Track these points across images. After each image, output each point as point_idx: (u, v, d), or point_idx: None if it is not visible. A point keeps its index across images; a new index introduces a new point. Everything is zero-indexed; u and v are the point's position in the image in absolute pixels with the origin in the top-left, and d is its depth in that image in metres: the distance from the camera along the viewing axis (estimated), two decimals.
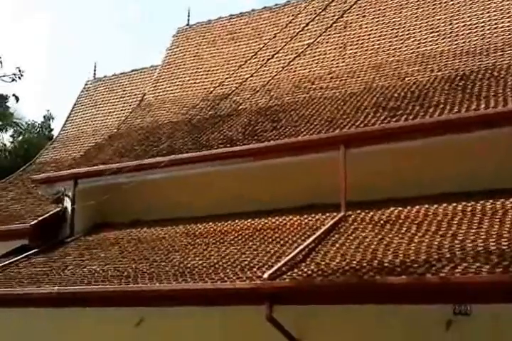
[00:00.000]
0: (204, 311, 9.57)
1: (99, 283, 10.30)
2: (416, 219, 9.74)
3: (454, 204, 9.86)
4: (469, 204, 9.76)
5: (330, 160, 10.92)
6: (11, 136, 30.43)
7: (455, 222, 9.26)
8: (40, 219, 13.77)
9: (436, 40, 13.88)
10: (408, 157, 10.75)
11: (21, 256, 12.86)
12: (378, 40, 14.75)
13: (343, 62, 14.73)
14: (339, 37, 15.29)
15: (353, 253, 8.88)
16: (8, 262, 12.68)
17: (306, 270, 8.71)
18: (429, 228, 9.23)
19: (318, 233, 9.89)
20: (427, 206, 10.06)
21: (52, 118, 32.71)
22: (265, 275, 8.68)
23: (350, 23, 15.41)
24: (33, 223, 13.60)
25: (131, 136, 15.61)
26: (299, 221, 10.90)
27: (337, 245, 9.34)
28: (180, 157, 12.40)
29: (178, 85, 17.22)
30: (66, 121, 20.25)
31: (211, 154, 12.29)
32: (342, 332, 8.87)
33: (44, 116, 32.85)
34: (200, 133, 13.71)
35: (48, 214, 13.91)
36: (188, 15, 19.32)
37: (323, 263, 8.81)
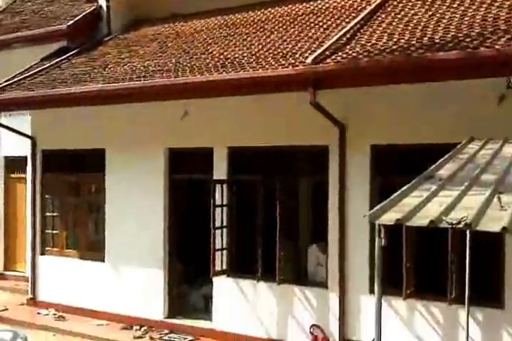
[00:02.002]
0: (247, 100, 9.44)
1: (141, 78, 10.14)
2: None
3: None
4: None
5: None
6: None
7: None
8: (76, 19, 13.40)
9: None
10: None
11: (62, 58, 12.76)
12: None
13: None
14: None
15: (402, 31, 8.34)
16: (49, 64, 12.63)
17: (350, 52, 8.28)
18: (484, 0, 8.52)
19: (363, 14, 9.28)
20: None
21: None
22: (308, 60, 8.32)
23: None
24: (70, 23, 13.28)
25: None
26: (342, 3, 10.23)
27: (384, 25, 8.78)
28: None
29: None
30: None
31: None
32: (387, 114, 8.68)
33: None
34: None
35: (83, 14, 13.50)
36: None
37: (369, 44, 8.34)
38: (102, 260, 11.63)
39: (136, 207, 11.09)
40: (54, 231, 12.51)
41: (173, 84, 9.63)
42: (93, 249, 11.96)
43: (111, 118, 11.32)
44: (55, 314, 11.83)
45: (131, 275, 11.17)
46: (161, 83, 9.73)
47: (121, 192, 11.30)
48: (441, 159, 6.27)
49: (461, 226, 4.50)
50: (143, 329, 10.67)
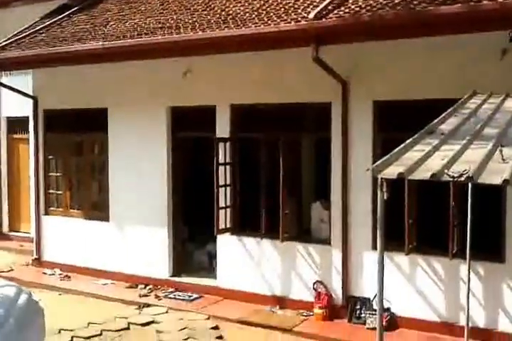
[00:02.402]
0: (249, 57, 9.38)
1: (143, 35, 10.04)
2: None
3: None
4: None
5: None
6: None
7: None
8: None
9: None
10: None
11: (63, 15, 12.59)
12: None
13: None
14: None
15: None
16: (50, 22, 12.48)
17: (353, 7, 8.19)
18: None
19: None
20: None
21: None
22: (310, 16, 8.21)
23: None
24: None
25: None
26: None
27: None
28: None
29: None
30: None
31: None
32: (390, 69, 8.64)
33: None
34: None
35: None
36: None
37: None
38: (107, 219, 11.68)
39: (139, 165, 11.09)
40: (58, 192, 12.53)
41: (175, 42, 9.52)
42: (97, 208, 12.00)
43: (113, 77, 11.27)
44: (60, 274, 11.93)
45: (136, 235, 11.25)
46: (162, 40, 9.62)
47: (125, 151, 11.30)
48: (444, 114, 6.25)
49: (462, 179, 4.51)
50: (148, 287, 10.79)
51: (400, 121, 8.46)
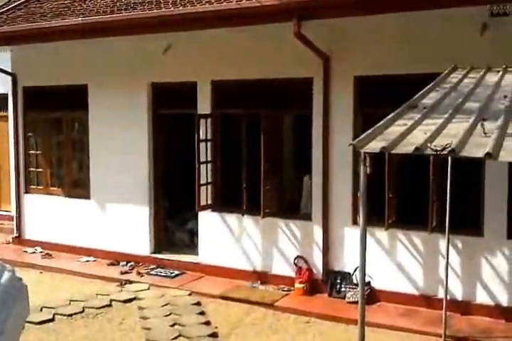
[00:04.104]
0: (230, 33, 9.35)
1: (123, 11, 9.93)
2: None
3: None
4: None
5: None
6: None
7: None
8: None
9: None
10: None
11: None
12: None
13: None
14: None
15: None
16: None
17: None
18: None
19: None
20: None
21: None
22: None
23: None
24: None
25: None
26: None
27: None
28: None
29: None
30: None
31: None
32: (371, 45, 8.66)
33: None
34: None
35: None
36: None
37: None
38: (87, 197, 11.64)
39: (120, 143, 11.03)
40: (38, 170, 12.43)
41: (155, 17, 9.40)
42: (78, 186, 11.94)
43: (93, 53, 11.15)
44: (41, 252, 11.88)
45: (117, 212, 11.23)
46: (142, 15, 9.51)
47: (105, 128, 11.22)
48: (425, 88, 6.30)
49: (445, 152, 4.57)
50: (129, 264, 10.81)
51: (382, 97, 8.49)
